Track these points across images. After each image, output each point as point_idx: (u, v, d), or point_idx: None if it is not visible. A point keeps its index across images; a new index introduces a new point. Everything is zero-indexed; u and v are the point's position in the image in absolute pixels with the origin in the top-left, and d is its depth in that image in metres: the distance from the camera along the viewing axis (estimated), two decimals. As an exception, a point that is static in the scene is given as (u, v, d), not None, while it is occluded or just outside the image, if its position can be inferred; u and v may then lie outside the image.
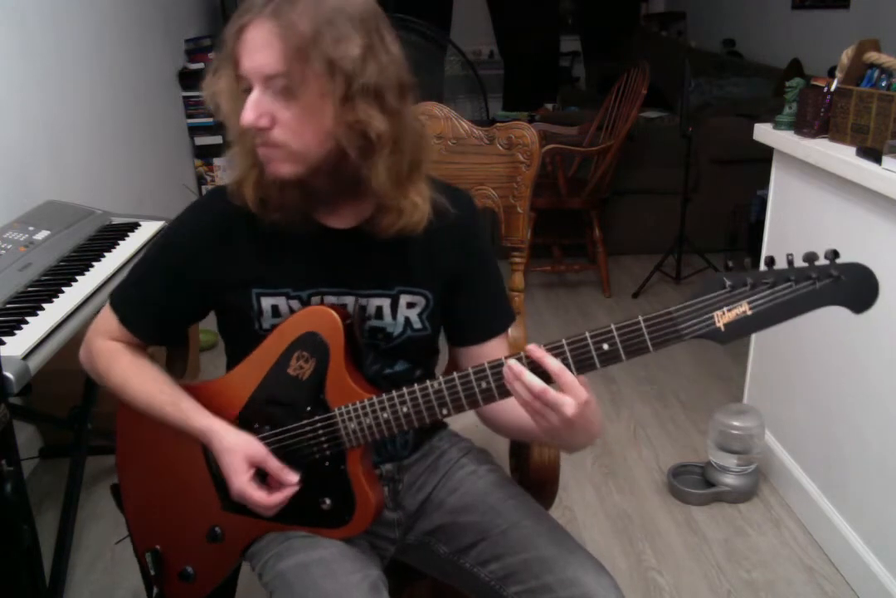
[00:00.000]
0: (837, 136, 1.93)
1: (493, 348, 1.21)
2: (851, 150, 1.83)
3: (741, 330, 0.91)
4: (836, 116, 1.93)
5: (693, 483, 2.34)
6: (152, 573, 1.25)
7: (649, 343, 0.93)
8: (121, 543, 1.91)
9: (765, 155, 2.26)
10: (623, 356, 0.94)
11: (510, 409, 1.07)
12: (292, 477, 1.09)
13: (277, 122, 0.98)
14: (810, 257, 0.89)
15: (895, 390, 1.74)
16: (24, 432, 2.42)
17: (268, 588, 1.13)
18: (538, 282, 4.01)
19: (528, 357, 0.96)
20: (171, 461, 1.23)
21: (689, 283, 3.85)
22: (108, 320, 1.21)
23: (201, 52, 4.26)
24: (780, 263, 0.90)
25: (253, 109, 0.98)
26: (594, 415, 0.97)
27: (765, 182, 2.31)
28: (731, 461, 2.26)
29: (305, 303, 1.14)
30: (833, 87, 1.92)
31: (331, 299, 1.14)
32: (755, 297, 0.90)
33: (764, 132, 2.20)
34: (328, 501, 1.13)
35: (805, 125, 2.02)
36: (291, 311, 1.13)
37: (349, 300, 1.15)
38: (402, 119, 1.02)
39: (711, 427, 2.31)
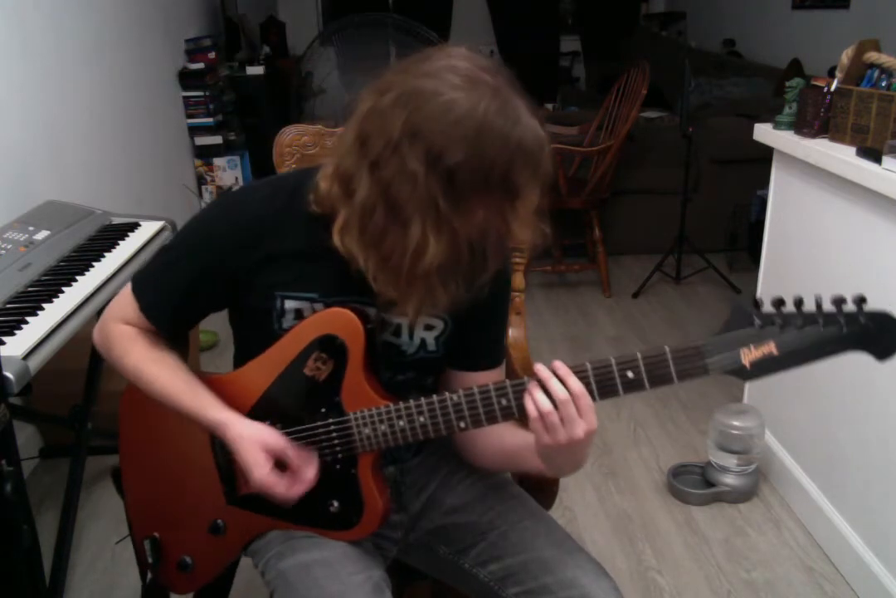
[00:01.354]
0: (837, 136, 1.93)
1: (485, 377, 1.19)
2: (851, 150, 1.83)
3: (766, 370, 0.92)
4: (836, 116, 1.93)
5: (693, 483, 2.34)
6: (150, 560, 1.24)
7: (674, 375, 0.94)
8: (121, 543, 1.91)
9: (765, 155, 2.26)
10: (647, 385, 0.95)
11: (495, 431, 1.10)
12: (310, 474, 1.08)
13: None
14: (838, 302, 0.91)
15: (895, 390, 1.74)
16: (24, 432, 2.42)
17: (269, 587, 1.13)
18: (538, 282, 4.01)
19: (553, 372, 0.96)
20: (177, 450, 1.22)
21: (689, 283, 3.86)
22: (126, 304, 1.18)
23: (201, 52, 4.26)
24: (809, 303, 0.92)
25: None
26: (590, 446, 1.01)
27: (765, 182, 2.31)
28: (731, 461, 2.26)
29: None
30: (833, 87, 1.92)
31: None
32: (783, 338, 0.91)
33: (764, 132, 2.20)
34: (336, 503, 1.12)
35: (805, 125, 2.02)
36: None
37: (371, 312, 1.13)
38: None
39: (711, 427, 2.31)
